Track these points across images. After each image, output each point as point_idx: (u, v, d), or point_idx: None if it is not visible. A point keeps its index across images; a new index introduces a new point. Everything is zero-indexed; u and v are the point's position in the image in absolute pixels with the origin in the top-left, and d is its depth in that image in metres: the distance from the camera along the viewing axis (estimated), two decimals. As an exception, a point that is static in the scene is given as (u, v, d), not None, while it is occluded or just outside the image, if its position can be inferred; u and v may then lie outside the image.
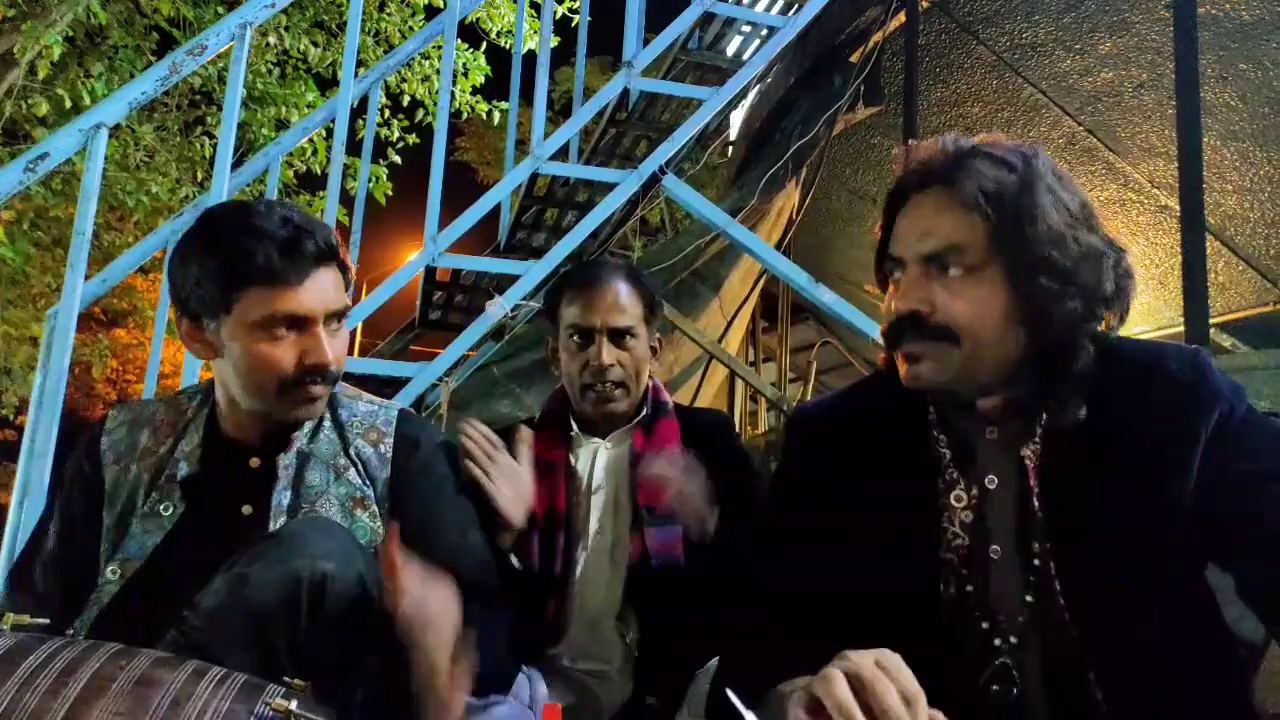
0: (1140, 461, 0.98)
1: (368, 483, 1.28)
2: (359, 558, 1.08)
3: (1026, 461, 1.02)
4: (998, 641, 0.99)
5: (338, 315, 1.23)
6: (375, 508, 1.27)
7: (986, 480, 1.04)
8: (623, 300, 1.69)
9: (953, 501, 1.04)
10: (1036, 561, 0.99)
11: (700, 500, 1.51)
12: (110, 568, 1.19)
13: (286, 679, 0.73)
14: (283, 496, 1.24)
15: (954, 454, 1.06)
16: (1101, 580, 0.96)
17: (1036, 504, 1.00)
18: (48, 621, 0.81)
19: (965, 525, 1.03)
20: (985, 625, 1.00)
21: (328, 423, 1.31)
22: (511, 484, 1.39)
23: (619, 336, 1.67)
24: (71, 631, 1.16)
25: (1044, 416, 1.02)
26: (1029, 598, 0.99)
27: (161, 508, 1.22)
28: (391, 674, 1.08)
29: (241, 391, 1.23)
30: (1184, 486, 0.96)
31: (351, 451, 1.29)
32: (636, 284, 1.73)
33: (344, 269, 1.26)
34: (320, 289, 1.20)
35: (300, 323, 1.19)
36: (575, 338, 1.68)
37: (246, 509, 1.23)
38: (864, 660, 0.76)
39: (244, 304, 1.17)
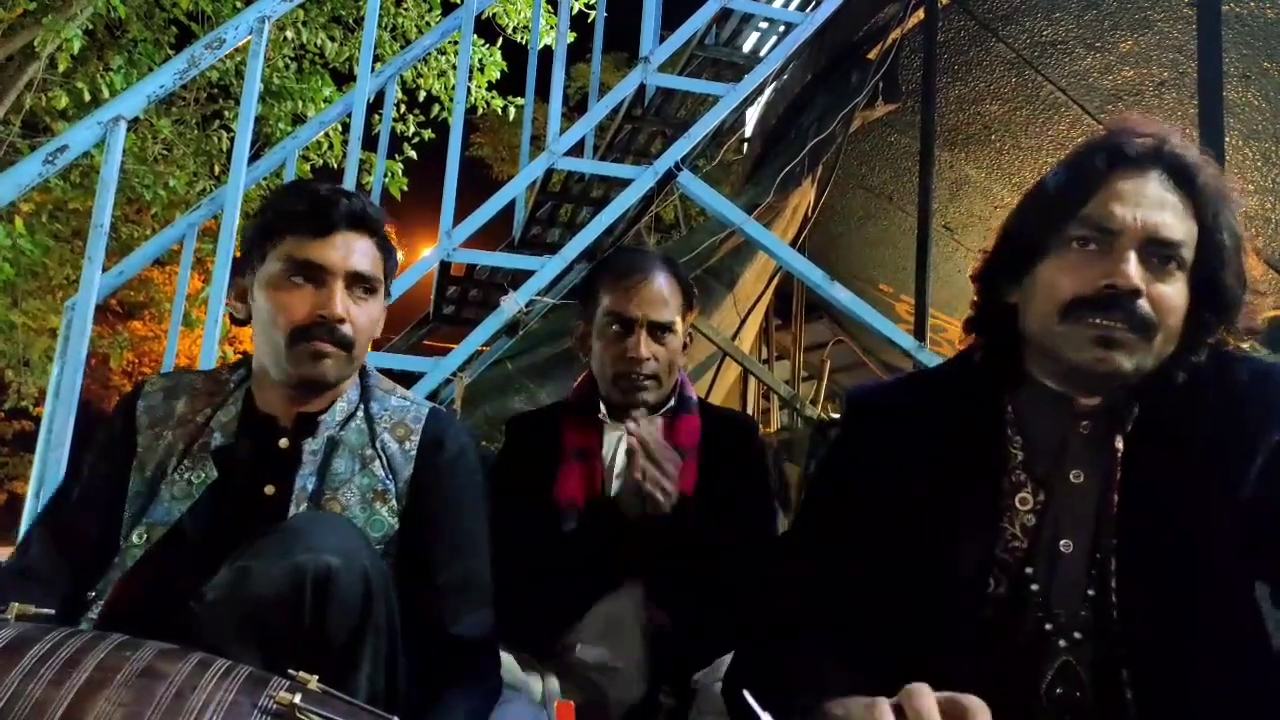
0: (1204, 467, 0.96)
1: (390, 477, 1.28)
2: (364, 552, 1.08)
3: (1117, 454, 0.99)
4: (1062, 642, 0.97)
5: (363, 281, 1.27)
6: (395, 503, 1.27)
7: (1072, 475, 1.01)
8: (666, 294, 1.67)
9: (1017, 504, 1.01)
10: (1099, 555, 0.97)
11: (667, 481, 1.50)
12: (137, 531, 1.21)
13: (293, 672, 0.73)
14: (307, 480, 1.25)
15: (1028, 455, 1.03)
16: (1155, 579, 0.94)
17: (1115, 496, 0.98)
18: (53, 612, 0.81)
19: (1026, 529, 1.00)
20: (1049, 626, 0.97)
21: (360, 413, 1.32)
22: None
23: (659, 330, 1.66)
24: (94, 594, 1.18)
25: (1135, 411, 1.00)
26: (1090, 591, 0.97)
27: (192, 476, 1.24)
28: (391, 668, 1.09)
29: (262, 353, 1.27)
30: (1238, 497, 0.93)
31: (378, 444, 1.30)
32: (678, 277, 1.72)
33: (385, 248, 1.31)
34: (345, 247, 1.25)
35: (318, 275, 1.24)
36: (615, 326, 1.66)
37: (269, 489, 1.25)
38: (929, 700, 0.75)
39: (274, 252, 1.24)
